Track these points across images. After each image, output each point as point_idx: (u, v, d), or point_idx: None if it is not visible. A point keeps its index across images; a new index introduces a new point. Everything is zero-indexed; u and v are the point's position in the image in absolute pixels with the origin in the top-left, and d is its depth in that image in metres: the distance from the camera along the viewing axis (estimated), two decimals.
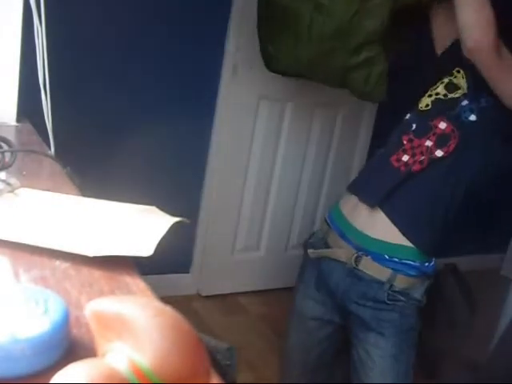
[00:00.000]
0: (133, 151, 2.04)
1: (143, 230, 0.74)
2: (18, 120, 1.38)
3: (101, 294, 0.57)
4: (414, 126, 1.35)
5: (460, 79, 1.34)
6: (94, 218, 0.79)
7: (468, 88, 1.32)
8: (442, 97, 1.36)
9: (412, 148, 1.32)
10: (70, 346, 0.46)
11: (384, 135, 1.44)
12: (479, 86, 1.27)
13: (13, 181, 0.85)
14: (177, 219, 0.77)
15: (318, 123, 2.68)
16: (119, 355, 0.39)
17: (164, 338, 0.39)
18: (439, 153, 1.29)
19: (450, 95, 1.34)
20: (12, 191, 0.83)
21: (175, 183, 2.31)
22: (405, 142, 1.34)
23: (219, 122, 2.41)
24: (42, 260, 0.62)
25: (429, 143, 1.30)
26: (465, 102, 1.30)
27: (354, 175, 2.87)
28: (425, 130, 1.32)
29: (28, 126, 1.37)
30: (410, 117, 1.39)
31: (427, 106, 1.37)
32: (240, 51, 2.33)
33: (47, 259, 0.63)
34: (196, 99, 2.32)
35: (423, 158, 1.29)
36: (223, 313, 2.52)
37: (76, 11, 1.94)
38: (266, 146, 2.58)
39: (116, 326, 0.41)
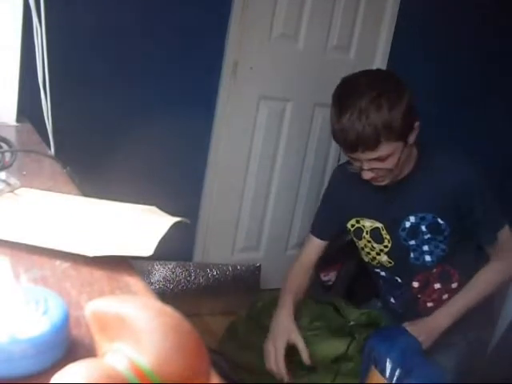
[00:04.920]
0: (133, 151, 2.04)
1: (143, 230, 0.74)
2: (18, 120, 1.38)
3: (101, 294, 0.57)
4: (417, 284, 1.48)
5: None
6: (94, 218, 0.79)
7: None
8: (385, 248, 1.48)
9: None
10: (70, 346, 0.46)
11: None
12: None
13: (13, 181, 0.85)
14: (177, 219, 0.77)
15: (318, 123, 2.68)
16: (119, 355, 0.39)
17: (164, 338, 0.39)
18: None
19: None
20: (12, 191, 0.83)
21: (175, 183, 2.30)
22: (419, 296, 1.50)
23: (219, 122, 2.41)
24: (41, 260, 0.62)
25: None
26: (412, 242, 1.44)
27: None
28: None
29: (28, 126, 1.37)
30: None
31: (390, 262, 1.48)
32: (240, 51, 2.33)
33: (47, 259, 0.63)
34: (196, 99, 2.32)
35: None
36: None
37: (76, 11, 1.94)
38: (266, 145, 2.58)
39: (116, 326, 0.41)
